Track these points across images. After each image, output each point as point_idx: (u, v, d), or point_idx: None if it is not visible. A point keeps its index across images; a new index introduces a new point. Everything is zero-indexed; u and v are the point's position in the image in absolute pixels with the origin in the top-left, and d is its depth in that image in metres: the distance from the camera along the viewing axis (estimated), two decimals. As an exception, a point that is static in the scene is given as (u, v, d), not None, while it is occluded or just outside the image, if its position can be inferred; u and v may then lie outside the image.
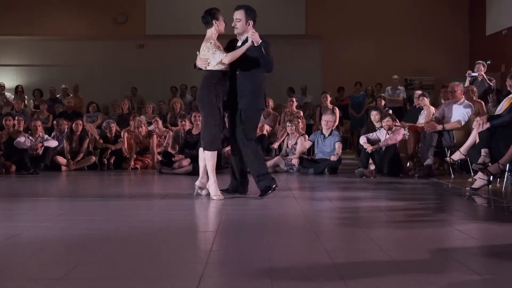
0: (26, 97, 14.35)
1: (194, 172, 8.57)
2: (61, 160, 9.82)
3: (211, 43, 5.50)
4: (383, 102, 11.29)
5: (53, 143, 9.80)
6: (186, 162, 8.85)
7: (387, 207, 5.28)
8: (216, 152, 5.61)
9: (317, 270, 2.90)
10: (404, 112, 12.02)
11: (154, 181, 8.39)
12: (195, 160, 8.68)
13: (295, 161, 8.94)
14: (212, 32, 5.64)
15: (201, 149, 5.72)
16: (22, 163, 9.31)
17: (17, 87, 14.64)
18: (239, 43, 5.69)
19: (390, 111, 9.64)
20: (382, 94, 12.92)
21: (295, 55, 16.34)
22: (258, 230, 4.12)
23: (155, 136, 10.19)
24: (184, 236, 3.89)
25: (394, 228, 4.22)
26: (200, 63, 5.55)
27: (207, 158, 5.59)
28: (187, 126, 9.57)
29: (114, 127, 10.52)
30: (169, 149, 9.63)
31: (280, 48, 16.20)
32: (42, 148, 9.54)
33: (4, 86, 14.64)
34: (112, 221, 4.48)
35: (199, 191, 5.74)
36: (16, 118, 10.22)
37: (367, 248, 3.40)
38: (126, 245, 3.54)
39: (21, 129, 10.02)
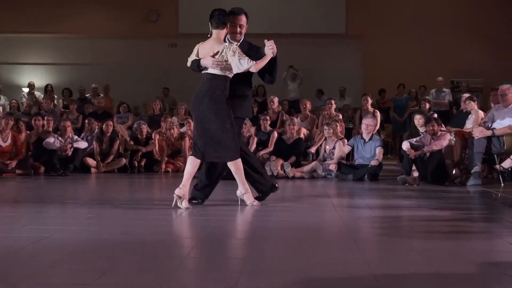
0: (55, 96, 14.61)
1: (228, 176, 8.61)
2: (91, 161, 9.98)
3: (235, 47, 5.26)
4: (427, 106, 11.15)
5: (82, 144, 9.96)
6: (219, 166, 8.88)
7: (431, 217, 5.22)
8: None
9: (356, 281, 2.88)
10: (450, 116, 11.88)
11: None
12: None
13: (333, 167, 8.91)
14: (223, 34, 5.39)
15: (191, 157, 5.47)
16: (51, 164, 9.49)
17: (46, 86, 14.93)
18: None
19: (435, 115, 9.53)
20: (427, 97, 12.75)
21: (334, 55, 16.32)
22: (293, 238, 4.11)
23: (187, 138, 10.27)
24: (216, 243, 3.91)
25: (438, 239, 4.16)
26: (213, 64, 5.23)
27: (237, 168, 5.38)
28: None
29: (145, 128, 10.64)
30: (202, 152, 9.67)
31: (319, 48, 16.31)
32: (72, 149, 9.71)
33: (34, 85, 14.98)
34: (142, 226, 4.53)
35: (178, 201, 5.29)
36: (46, 118, 10.42)
37: (409, 259, 3.37)
38: (155, 251, 3.58)
39: (50, 129, 10.21)
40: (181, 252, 3.56)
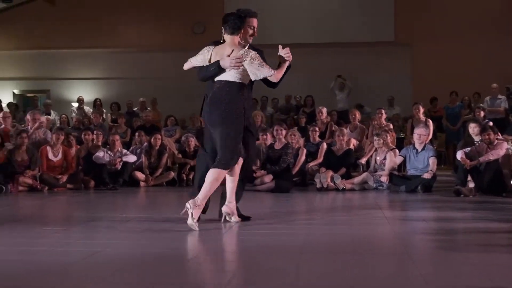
0: (104, 110, 14.92)
1: (277, 189, 8.66)
2: (140, 175, 10.14)
3: (254, 54, 5.04)
4: (482, 114, 10.93)
5: (131, 158, 10.13)
6: (268, 178, 8.91)
7: (489, 229, 5.12)
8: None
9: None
10: (506, 124, 11.61)
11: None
12: (278, 176, 8.80)
13: (384, 178, 8.81)
14: (238, 40, 5.19)
15: (226, 173, 5.18)
16: (100, 178, 9.69)
17: (95, 100, 15.27)
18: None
19: (491, 123, 9.33)
20: (481, 105, 12.51)
21: (383, 63, 16.19)
22: (344, 251, 4.09)
23: (235, 151, 10.31)
24: (267, 256, 3.91)
25: (497, 252, 4.08)
26: (231, 63, 5.00)
27: (215, 179, 5.04)
28: (269, 140, 9.61)
29: (193, 141, 10.74)
30: (250, 165, 9.73)
31: (367, 57, 16.22)
32: (121, 163, 9.88)
33: (83, 100, 15.35)
34: (191, 241, 4.57)
35: (227, 217, 5.26)
36: (95, 132, 10.65)
37: (467, 273, 3.32)
38: (204, 265, 3.61)
39: (100, 143, 10.42)
40: (230, 266, 3.59)
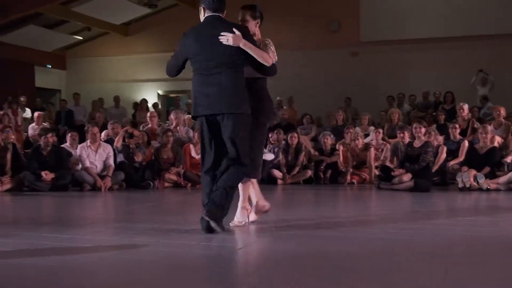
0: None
1: (416, 188, 8.46)
2: (277, 173, 10.30)
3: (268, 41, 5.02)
4: None
5: (269, 156, 10.31)
6: (406, 177, 8.72)
7: None
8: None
9: None
10: None
11: (371, 198, 8.40)
12: (417, 175, 8.60)
13: (533, 178, 8.33)
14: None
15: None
16: (240, 176, 9.92)
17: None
18: None
19: None
20: None
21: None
22: (492, 254, 3.92)
23: (372, 149, 10.22)
24: (413, 256, 3.84)
25: None
26: (268, 59, 4.86)
27: (246, 185, 4.94)
28: (407, 138, 9.40)
29: (329, 139, 10.75)
30: (387, 163, 9.59)
31: (510, 49, 15.34)
32: (259, 161, 10.07)
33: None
34: (332, 243, 4.58)
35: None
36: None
37: None
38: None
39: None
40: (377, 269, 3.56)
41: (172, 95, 18.32)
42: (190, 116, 13.76)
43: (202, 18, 4.83)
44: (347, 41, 16.41)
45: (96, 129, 9.66)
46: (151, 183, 9.40)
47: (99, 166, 9.36)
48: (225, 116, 4.59)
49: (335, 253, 3.92)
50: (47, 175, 8.96)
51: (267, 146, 11.00)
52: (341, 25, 16.68)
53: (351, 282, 3.13)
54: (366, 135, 11.09)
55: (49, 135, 9.43)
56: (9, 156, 9.40)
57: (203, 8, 4.80)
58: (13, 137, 9.93)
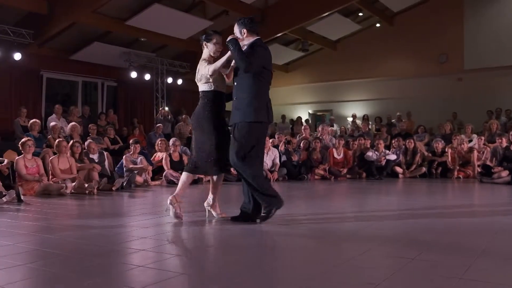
0: (370, 122, 14.93)
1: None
2: (398, 169, 9.91)
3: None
4: None
5: (392, 157, 9.96)
6: (504, 173, 8.00)
7: None
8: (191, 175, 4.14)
9: None
10: None
11: (474, 190, 7.76)
12: (513, 172, 7.82)
13: None
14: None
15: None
16: (370, 171, 9.71)
17: (364, 115, 15.35)
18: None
19: None
20: None
21: None
22: None
23: (475, 152, 9.49)
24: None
25: None
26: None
27: (185, 179, 4.16)
28: (504, 143, 8.61)
29: (440, 144, 10.15)
30: (488, 162, 8.83)
31: None
32: (385, 160, 9.77)
33: (355, 116, 15.64)
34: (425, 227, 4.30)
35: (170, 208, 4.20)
36: (365, 137, 10.74)
37: None
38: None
39: (368, 145, 10.46)
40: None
41: (319, 113, 18.34)
42: (332, 128, 13.84)
43: (242, 37, 4.01)
44: (453, 69, 15.37)
45: (267, 139, 9.91)
46: (305, 176, 9.47)
47: (269, 163, 9.60)
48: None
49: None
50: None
51: (391, 149, 10.63)
52: (448, 57, 15.65)
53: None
54: (469, 141, 10.27)
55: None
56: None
57: (246, 30, 4.01)
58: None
